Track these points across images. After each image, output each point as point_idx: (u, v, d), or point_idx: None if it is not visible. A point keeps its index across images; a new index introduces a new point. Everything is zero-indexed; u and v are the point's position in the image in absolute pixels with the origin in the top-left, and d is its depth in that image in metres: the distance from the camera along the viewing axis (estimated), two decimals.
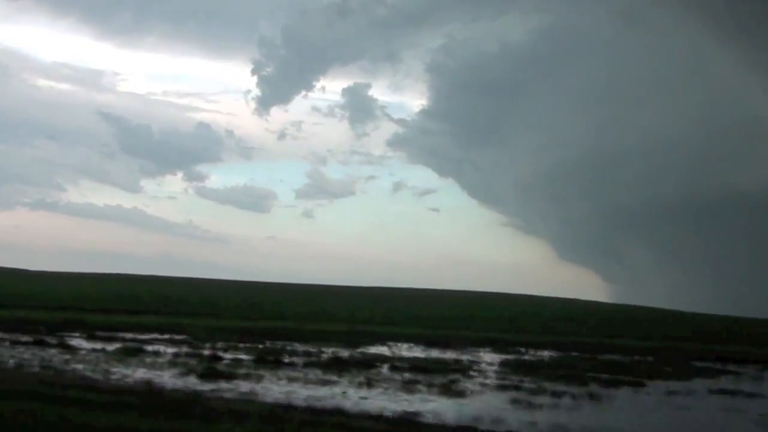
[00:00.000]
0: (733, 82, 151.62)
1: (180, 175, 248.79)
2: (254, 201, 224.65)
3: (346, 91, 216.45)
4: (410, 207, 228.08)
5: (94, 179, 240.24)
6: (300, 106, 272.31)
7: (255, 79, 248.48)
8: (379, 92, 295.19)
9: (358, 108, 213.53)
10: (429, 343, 34.55)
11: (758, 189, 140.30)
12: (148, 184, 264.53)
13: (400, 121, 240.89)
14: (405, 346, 33.16)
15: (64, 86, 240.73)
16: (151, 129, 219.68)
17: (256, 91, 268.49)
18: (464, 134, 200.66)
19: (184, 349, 26.91)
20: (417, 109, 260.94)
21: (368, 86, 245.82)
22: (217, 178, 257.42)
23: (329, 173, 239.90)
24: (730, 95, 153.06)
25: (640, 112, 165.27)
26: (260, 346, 29.20)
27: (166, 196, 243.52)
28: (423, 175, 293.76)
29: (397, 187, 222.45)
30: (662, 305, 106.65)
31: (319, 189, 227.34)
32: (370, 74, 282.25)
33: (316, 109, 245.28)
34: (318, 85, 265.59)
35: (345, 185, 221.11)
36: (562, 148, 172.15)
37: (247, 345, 28.83)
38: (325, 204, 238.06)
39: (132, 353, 24.50)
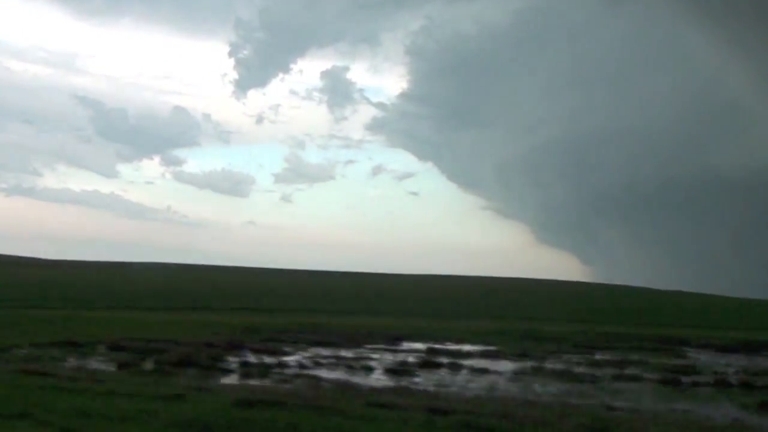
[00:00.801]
0: (714, 63, 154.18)
1: (157, 159, 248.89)
2: (232, 185, 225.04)
3: (324, 74, 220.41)
4: (389, 191, 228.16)
5: (70, 164, 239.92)
6: (277, 89, 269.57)
7: (232, 61, 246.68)
8: (358, 75, 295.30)
9: (337, 91, 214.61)
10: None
11: (738, 173, 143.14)
12: (125, 168, 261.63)
13: (379, 105, 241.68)
14: None
15: (38, 69, 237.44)
16: (127, 113, 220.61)
17: (233, 74, 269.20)
18: (444, 117, 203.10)
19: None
20: (396, 93, 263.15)
21: (347, 69, 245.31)
22: (195, 162, 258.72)
23: (308, 157, 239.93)
24: (711, 77, 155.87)
25: (621, 94, 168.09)
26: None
27: (144, 181, 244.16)
28: (402, 159, 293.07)
29: (376, 171, 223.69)
30: (640, 285, 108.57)
31: (297, 173, 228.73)
32: (349, 57, 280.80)
33: (293, 92, 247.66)
34: (295, 68, 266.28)
35: (324, 169, 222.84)
36: (541, 131, 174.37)
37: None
38: (303, 188, 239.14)
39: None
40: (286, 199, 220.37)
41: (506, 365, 22.25)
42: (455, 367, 21.33)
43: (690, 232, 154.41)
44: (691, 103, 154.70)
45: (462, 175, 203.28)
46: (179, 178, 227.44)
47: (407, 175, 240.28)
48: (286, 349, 24.06)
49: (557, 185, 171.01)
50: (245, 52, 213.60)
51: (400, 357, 23.39)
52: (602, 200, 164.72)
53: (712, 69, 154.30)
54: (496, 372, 20.57)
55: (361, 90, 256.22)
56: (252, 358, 21.34)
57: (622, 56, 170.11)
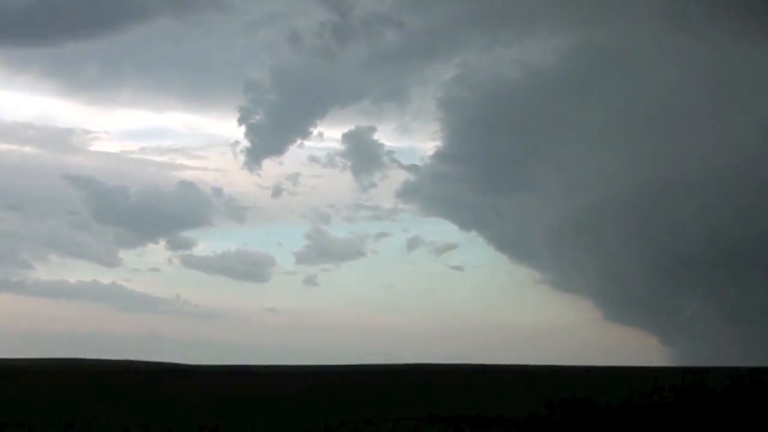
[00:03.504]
0: None
1: (163, 243, 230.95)
2: (249, 269, 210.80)
3: (346, 137, 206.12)
4: (429, 266, 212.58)
5: (64, 253, 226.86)
6: (295, 156, 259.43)
7: (243, 128, 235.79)
8: (386, 136, 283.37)
9: (362, 155, 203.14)
10: None
11: None
12: (126, 255, 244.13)
13: (411, 168, 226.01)
14: None
15: (27, 149, 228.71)
16: (128, 191, 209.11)
17: (244, 143, 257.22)
18: (486, 178, 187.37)
19: None
20: (430, 153, 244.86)
21: (372, 129, 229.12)
22: (206, 244, 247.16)
23: (333, 232, 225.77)
24: None
25: (694, 136, 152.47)
26: None
27: (148, 268, 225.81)
28: (441, 229, 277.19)
29: (412, 244, 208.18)
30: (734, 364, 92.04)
31: (322, 251, 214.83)
32: (374, 116, 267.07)
33: (313, 159, 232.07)
34: (315, 131, 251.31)
35: (352, 245, 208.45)
36: (598, 187, 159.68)
37: None
38: (330, 268, 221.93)
39: None
40: (310, 281, 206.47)
41: None
42: None
43: None
44: None
45: (512, 244, 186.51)
46: (189, 263, 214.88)
47: (448, 247, 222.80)
48: None
49: (621, 250, 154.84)
50: (257, 117, 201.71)
51: None
52: (678, 263, 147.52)
53: None
54: None
55: (389, 152, 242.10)
56: None
57: (696, 90, 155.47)
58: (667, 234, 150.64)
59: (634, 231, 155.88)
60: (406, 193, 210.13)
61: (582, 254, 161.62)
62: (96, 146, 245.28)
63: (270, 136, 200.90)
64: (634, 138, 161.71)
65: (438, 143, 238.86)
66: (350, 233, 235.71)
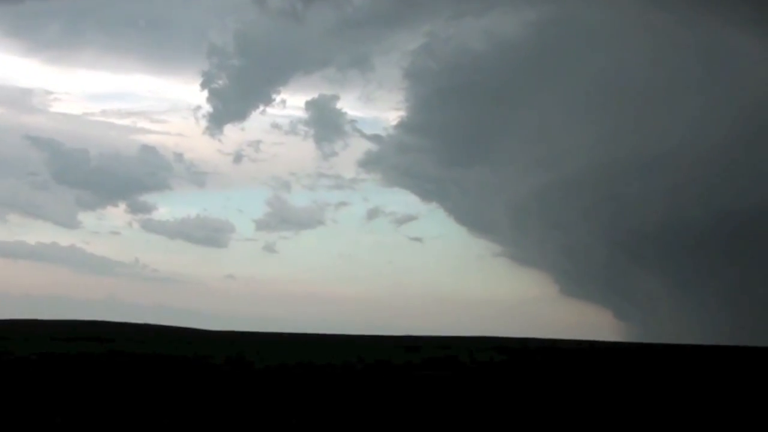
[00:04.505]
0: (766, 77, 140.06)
1: (123, 206, 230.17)
2: (209, 234, 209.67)
3: (310, 105, 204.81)
4: (388, 237, 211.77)
5: (24, 214, 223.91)
6: (257, 123, 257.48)
7: (205, 93, 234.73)
8: (349, 104, 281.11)
9: (325, 124, 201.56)
10: None
11: None
12: (86, 217, 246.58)
13: (374, 138, 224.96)
14: None
15: None
16: (89, 154, 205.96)
17: (206, 108, 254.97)
18: (449, 150, 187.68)
19: None
20: (393, 123, 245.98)
21: (336, 98, 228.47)
22: (166, 209, 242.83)
23: (293, 200, 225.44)
24: (765, 93, 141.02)
25: (661, 117, 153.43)
26: None
27: (108, 231, 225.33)
28: (402, 200, 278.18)
29: (373, 214, 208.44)
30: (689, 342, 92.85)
31: (282, 219, 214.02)
32: (338, 84, 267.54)
33: (276, 126, 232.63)
34: (278, 98, 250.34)
35: (312, 213, 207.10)
36: (564, 163, 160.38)
37: None
38: (289, 236, 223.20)
39: None
40: (269, 248, 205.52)
41: None
42: None
43: (752, 275, 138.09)
44: (748, 121, 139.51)
45: (472, 217, 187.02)
46: (148, 227, 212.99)
47: (408, 218, 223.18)
48: None
49: (582, 226, 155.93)
50: (220, 82, 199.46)
51: None
52: (638, 241, 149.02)
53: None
54: None
55: (352, 121, 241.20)
56: None
57: (663, 68, 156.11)
58: (628, 212, 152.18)
59: (595, 208, 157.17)
60: (368, 162, 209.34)
61: (542, 229, 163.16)
62: (57, 107, 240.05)
63: (232, 101, 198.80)
64: (600, 116, 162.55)
65: (402, 113, 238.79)
66: (311, 202, 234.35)
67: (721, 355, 65.74)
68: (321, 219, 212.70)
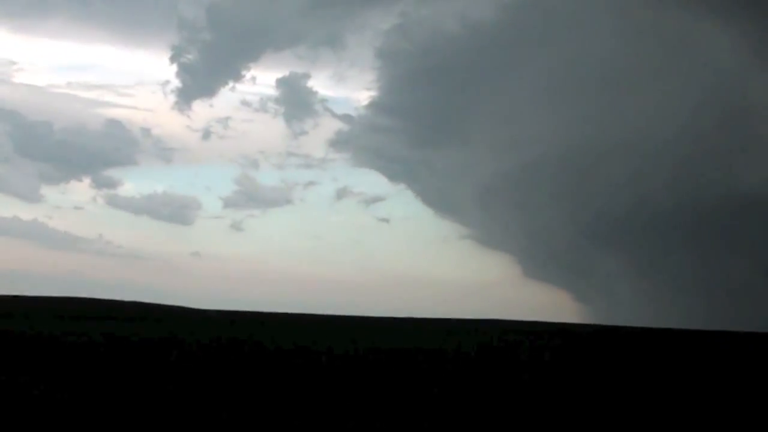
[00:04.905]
0: (734, 65, 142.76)
1: (87, 181, 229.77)
2: (175, 211, 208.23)
3: (280, 82, 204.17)
4: (356, 217, 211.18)
5: None
6: (227, 99, 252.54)
7: (174, 67, 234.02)
8: (320, 83, 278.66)
9: (295, 102, 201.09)
10: None
11: (759, 190, 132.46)
12: (49, 192, 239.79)
13: (345, 118, 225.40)
14: None
15: None
16: (53, 127, 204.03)
17: (175, 82, 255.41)
18: (419, 132, 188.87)
19: None
20: (364, 103, 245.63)
21: (307, 76, 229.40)
22: (131, 184, 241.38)
23: (262, 179, 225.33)
24: (731, 81, 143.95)
25: (632, 103, 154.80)
26: None
27: (72, 205, 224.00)
28: (370, 180, 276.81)
29: (341, 194, 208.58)
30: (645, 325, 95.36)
31: (250, 197, 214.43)
32: (309, 62, 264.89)
33: (245, 103, 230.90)
34: (248, 75, 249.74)
35: (280, 192, 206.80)
36: (532, 146, 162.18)
37: None
38: (257, 215, 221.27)
39: None
40: (236, 226, 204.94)
41: None
42: None
43: (710, 261, 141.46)
44: (710, 110, 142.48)
45: (439, 199, 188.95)
46: (113, 202, 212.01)
47: (376, 199, 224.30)
48: None
49: (548, 209, 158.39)
50: (189, 56, 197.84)
51: None
52: (601, 226, 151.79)
53: (734, 70, 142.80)
54: None
55: (323, 100, 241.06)
56: None
57: (633, 55, 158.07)
58: (597, 197, 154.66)
59: (564, 192, 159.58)
60: (338, 142, 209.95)
61: (509, 212, 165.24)
62: (21, 78, 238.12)
63: (202, 77, 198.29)
64: (572, 100, 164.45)
65: (373, 93, 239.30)
66: (279, 180, 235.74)
67: (677, 338, 68.00)
68: (289, 198, 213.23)
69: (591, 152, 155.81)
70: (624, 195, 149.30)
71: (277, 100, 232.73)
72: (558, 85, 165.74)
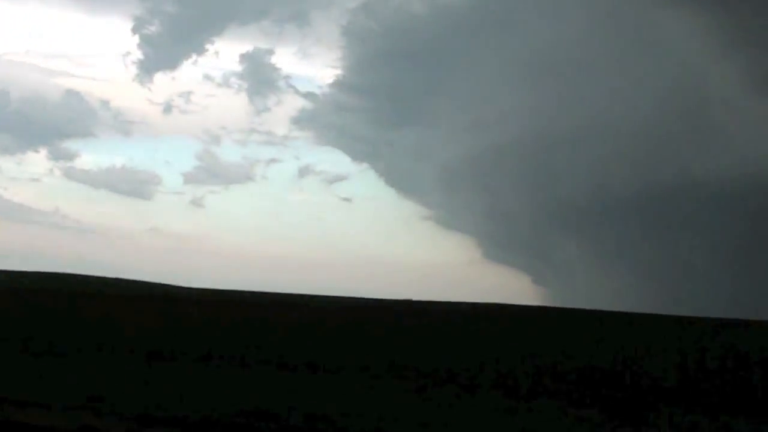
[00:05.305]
0: (696, 56, 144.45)
1: (44, 152, 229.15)
2: (134, 185, 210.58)
3: (244, 58, 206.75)
4: (318, 196, 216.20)
5: None
6: (190, 73, 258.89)
7: (136, 38, 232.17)
8: (284, 60, 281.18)
9: (259, 78, 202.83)
10: None
11: (717, 178, 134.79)
12: (5, 162, 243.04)
13: (308, 95, 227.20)
14: None
15: None
16: (9, 96, 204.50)
17: (137, 54, 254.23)
18: (383, 111, 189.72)
19: None
20: (328, 81, 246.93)
21: (271, 52, 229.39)
22: (90, 157, 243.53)
23: (223, 155, 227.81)
24: (693, 71, 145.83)
25: (597, 90, 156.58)
26: None
27: (28, 177, 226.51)
28: (333, 159, 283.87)
29: (303, 172, 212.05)
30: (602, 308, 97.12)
31: (211, 173, 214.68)
32: (274, 38, 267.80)
33: (208, 77, 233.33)
34: (211, 48, 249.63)
35: (242, 169, 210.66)
36: (495, 130, 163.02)
37: None
38: (217, 191, 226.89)
39: None
40: (196, 202, 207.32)
41: None
42: None
43: (666, 246, 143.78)
44: (671, 99, 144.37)
45: (402, 179, 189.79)
46: (70, 175, 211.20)
47: (339, 178, 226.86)
48: None
49: (509, 192, 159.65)
50: (152, 27, 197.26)
51: None
52: (562, 210, 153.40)
53: (695, 60, 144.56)
54: None
55: (287, 77, 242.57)
56: None
57: (597, 45, 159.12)
58: (558, 182, 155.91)
59: (526, 176, 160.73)
60: (301, 120, 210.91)
61: (471, 194, 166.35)
62: None
63: (164, 49, 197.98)
64: (537, 84, 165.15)
65: (338, 72, 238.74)
66: (241, 157, 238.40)
67: (631, 321, 69.22)
68: (251, 175, 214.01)
69: (553, 137, 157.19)
70: (585, 181, 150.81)
71: (240, 76, 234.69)
72: (523, 70, 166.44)
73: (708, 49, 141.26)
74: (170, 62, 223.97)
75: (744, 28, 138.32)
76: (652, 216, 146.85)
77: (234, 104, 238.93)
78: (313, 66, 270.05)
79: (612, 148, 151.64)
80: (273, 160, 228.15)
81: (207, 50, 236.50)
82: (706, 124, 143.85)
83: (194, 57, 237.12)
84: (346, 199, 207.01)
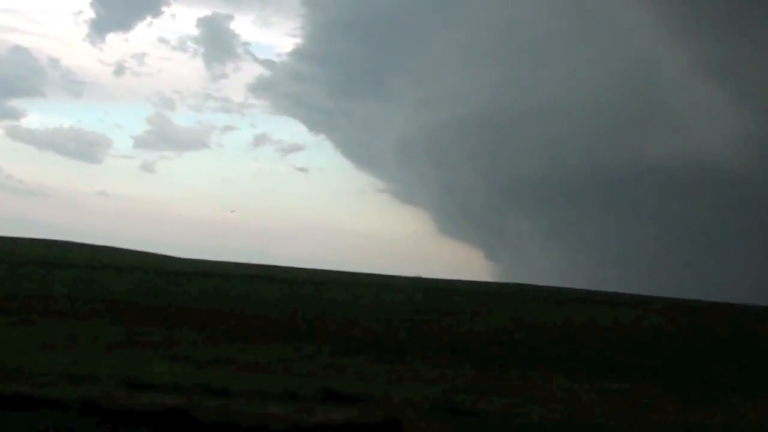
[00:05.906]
0: (651, 38, 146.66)
1: None
2: (82, 148, 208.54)
3: (201, 22, 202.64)
4: (273, 165, 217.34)
5: None
6: (144, 35, 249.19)
7: None
8: (243, 26, 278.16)
9: (216, 43, 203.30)
10: None
11: (669, 161, 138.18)
12: None
13: (266, 63, 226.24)
14: None
15: None
16: None
17: (89, 12, 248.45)
18: (341, 82, 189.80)
19: None
20: (287, 50, 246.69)
21: (230, 18, 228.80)
22: (37, 116, 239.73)
23: (177, 120, 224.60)
24: (647, 54, 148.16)
25: (557, 68, 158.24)
26: None
27: None
28: (290, 129, 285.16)
29: (259, 140, 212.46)
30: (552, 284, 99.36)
31: (163, 138, 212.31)
32: (233, 3, 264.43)
33: (163, 40, 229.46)
34: (167, 11, 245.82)
35: (196, 135, 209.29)
36: (453, 105, 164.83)
37: None
38: (170, 156, 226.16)
39: None
40: (147, 168, 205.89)
41: None
42: None
43: (615, 227, 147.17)
44: (625, 81, 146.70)
45: (358, 151, 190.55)
46: (15, 134, 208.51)
47: (295, 148, 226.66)
48: None
49: (465, 168, 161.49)
50: None
51: None
52: (515, 187, 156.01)
53: (651, 43, 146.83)
54: None
55: (245, 44, 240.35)
56: None
57: (554, 22, 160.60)
58: (513, 158, 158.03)
59: (482, 152, 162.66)
60: (259, 88, 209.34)
61: (427, 168, 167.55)
62: None
63: (118, 9, 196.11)
64: (496, 61, 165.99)
65: (297, 41, 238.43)
66: (195, 123, 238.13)
67: (583, 300, 71.03)
68: (205, 142, 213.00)
69: (509, 115, 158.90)
70: (539, 158, 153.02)
71: (196, 40, 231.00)
72: (481, 48, 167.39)
73: (662, 33, 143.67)
74: (124, 23, 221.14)
75: (696, 16, 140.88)
76: (604, 195, 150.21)
77: (189, 69, 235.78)
78: (272, 34, 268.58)
79: (567, 128, 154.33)
80: (228, 128, 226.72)
81: (163, 12, 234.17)
82: (657, 107, 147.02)
83: (149, 18, 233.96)
84: (302, 169, 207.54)
